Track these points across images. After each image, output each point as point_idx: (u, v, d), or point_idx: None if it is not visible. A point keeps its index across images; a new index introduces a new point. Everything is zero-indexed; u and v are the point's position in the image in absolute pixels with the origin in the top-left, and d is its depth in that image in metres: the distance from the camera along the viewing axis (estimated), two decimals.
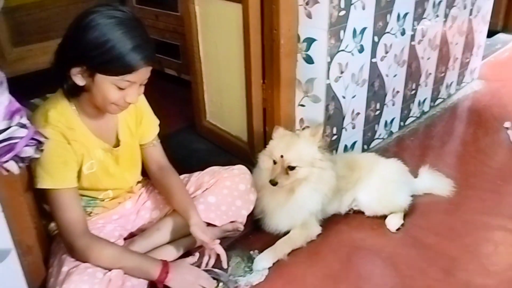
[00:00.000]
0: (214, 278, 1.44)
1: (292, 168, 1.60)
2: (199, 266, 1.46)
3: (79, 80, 1.23)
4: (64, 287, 1.20)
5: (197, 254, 1.48)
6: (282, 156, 1.60)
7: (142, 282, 1.33)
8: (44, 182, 1.25)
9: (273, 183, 1.58)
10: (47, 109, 1.29)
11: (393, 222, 1.79)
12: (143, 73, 1.24)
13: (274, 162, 1.63)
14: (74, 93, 1.29)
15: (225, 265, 1.47)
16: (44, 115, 1.27)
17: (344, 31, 1.84)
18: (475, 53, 3.02)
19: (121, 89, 1.23)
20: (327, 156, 1.69)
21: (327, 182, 1.67)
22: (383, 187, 1.81)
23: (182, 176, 1.72)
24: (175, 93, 2.92)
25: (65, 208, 1.28)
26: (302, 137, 1.67)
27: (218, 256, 1.47)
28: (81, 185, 1.38)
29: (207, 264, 1.48)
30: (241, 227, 1.65)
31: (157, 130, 1.59)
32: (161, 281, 1.31)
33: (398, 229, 1.78)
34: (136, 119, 1.50)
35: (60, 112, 1.29)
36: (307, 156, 1.62)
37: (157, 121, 1.59)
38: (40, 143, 1.00)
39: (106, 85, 1.22)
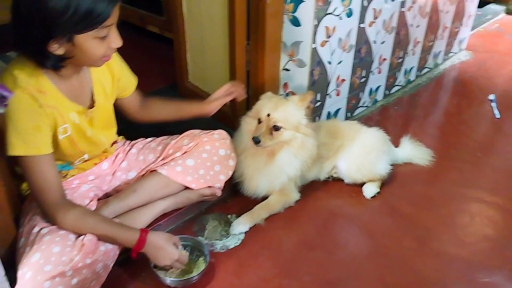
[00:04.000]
0: (191, 247, 1.44)
1: (277, 128, 1.58)
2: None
3: (60, 51, 1.16)
4: (35, 248, 1.18)
5: None
6: (268, 115, 1.58)
7: (115, 246, 1.30)
8: (16, 149, 1.18)
9: (256, 140, 1.56)
10: (15, 71, 1.19)
11: (369, 190, 1.80)
12: (116, 13, 1.17)
13: (259, 122, 1.61)
14: (59, 66, 1.21)
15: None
16: (12, 77, 1.18)
17: None
18: (465, 23, 2.97)
19: (102, 39, 1.17)
20: (311, 124, 1.66)
21: (308, 150, 1.66)
22: (364, 155, 1.80)
23: (160, 139, 1.69)
24: (157, 51, 2.83)
25: (39, 174, 1.22)
26: (290, 101, 1.64)
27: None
28: (57, 151, 1.32)
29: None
30: (219, 192, 1.63)
31: (136, 81, 1.56)
32: (137, 250, 1.28)
33: (373, 197, 1.80)
34: (112, 78, 1.44)
35: (29, 74, 1.20)
36: (293, 119, 1.60)
37: (134, 76, 1.55)
38: (3, 97, 0.95)
39: (89, 43, 1.16)
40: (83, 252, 1.18)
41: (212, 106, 1.66)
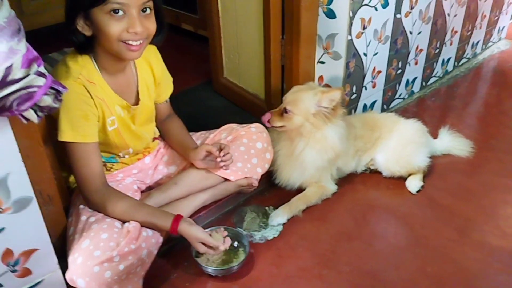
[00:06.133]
0: (231, 238, 1.44)
1: (286, 111, 1.61)
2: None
3: (86, 30, 1.22)
4: (84, 235, 1.24)
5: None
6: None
7: (157, 233, 1.35)
8: (64, 135, 1.25)
9: (266, 116, 1.64)
10: (68, 62, 1.28)
11: (413, 184, 1.78)
12: None
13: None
14: (87, 47, 1.27)
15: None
16: (66, 68, 1.26)
17: None
18: (504, 11, 2.88)
19: (118, 18, 1.19)
20: (331, 120, 1.62)
21: (319, 142, 1.63)
22: (402, 147, 1.79)
23: (199, 133, 1.73)
24: (192, 49, 2.88)
25: (83, 162, 1.29)
26: (312, 89, 1.64)
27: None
28: (105, 142, 1.39)
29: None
30: (256, 183, 1.66)
31: (171, 90, 1.60)
32: (174, 230, 1.32)
33: (418, 191, 1.77)
34: (154, 80, 1.49)
35: (82, 65, 1.28)
36: (302, 105, 1.60)
37: (171, 80, 1.59)
38: (58, 92, 1.00)
39: (103, 20, 1.18)
40: (129, 238, 1.24)
41: (198, 155, 1.53)
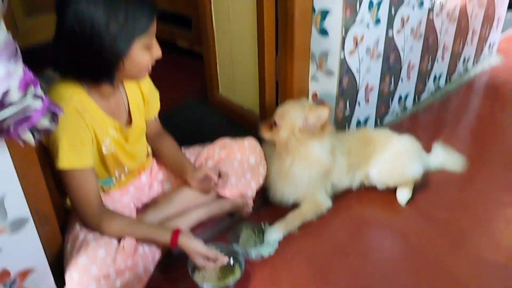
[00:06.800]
0: (228, 255, 1.45)
1: (275, 124, 1.66)
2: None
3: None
4: (82, 252, 1.24)
5: None
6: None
7: (153, 249, 1.36)
8: (61, 163, 1.25)
9: (258, 127, 1.72)
10: (59, 89, 1.27)
11: (402, 195, 1.80)
12: (155, 23, 1.25)
13: None
14: (113, 79, 1.29)
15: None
16: (58, 95, 1.26)
17: (360, 3, 1.80)
18: (494, 27, 2.93)
19: (147, 48, 1.26)
20: (318, 137, 1.64)
21: (304, 158, 1.66)
22: (395, 159, 1.81)
23: (193, 148, 1.74)
24: (187, 66, 2.91)
25: (80, 187, 1.29)
26: (302, 105, 1.67)
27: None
28: (100, 164, 1.40)
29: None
30: (249, 206, 1.66)
31: (159, 105, 1.61)
32: (174, 244, 1.33)
33: (407, 203, 1.79)
34: (143, 97, 1.51)
35: (72, 90, 1.28)
36: (289, 118, 1.64)
37: (158, 95, 1.60)
38: (55, 114, 1.01)
39: (138, 51, 1.24)
40: (124, 254, 1.25)
41: (195, 177, 1.56)
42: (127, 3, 1.18)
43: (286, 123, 1.64)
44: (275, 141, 1.69)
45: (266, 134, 1.71)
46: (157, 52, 1.30)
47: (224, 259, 1.39)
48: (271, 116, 1.71)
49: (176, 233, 1.33)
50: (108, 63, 1.23)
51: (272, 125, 1.68)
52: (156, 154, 1.67)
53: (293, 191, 1.72)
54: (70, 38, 1.18)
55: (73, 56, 1.22)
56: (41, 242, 1.22)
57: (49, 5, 2.71)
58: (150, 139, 1.64)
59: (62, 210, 1.45)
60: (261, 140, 1.76)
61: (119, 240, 1.31)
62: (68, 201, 1.46)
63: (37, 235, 1.20)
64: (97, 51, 1.19)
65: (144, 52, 1.26)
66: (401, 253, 1.60)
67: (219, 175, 1.56)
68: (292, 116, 1.64)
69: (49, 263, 1.26)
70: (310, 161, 1.67)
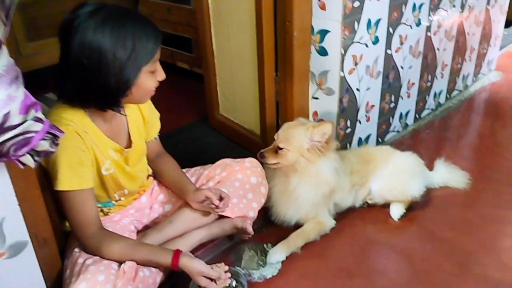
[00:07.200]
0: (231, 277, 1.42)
1: (280, 148, 1.62)
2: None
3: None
4: (81, 277, 1.21)
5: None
6: (277, 136, 1.65)
7: (154, 272, 1.33)
8: (61, 185, 1.24)
9: (262, 156, 1.66)
10: (58, 110, 1.27)
11: (395, 211, 1.80)
12: (160, 48, 1.27)
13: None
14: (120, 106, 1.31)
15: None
16: (58, 117, 1.25)
17: (359, 23, 1.81)
18: (492, 44, 2.96)
19: (153, 73, 1.27)
20: (325, 154, 1.63)
21: (314, 177, 1.64)
22: (396, 176, 1.80)
23: (194, 169, 1.73)
24: (187, 87, 2.92)
25: (79, 209, 1.27)
26: (303, 125, 1.65)
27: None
28: (100, 187, 1.39)
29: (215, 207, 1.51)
30: (250, 229, 1.63)
31: (159, 126, 1.61)
32: (174, 266, 1.31)
33: (400, 219, 1.79)
34: (143, 119, 1.51)
35: (72, 113, 1.28)
36: (295, 142, 1.61)
37: (159, 116, 1.60)
38: (55, 136, 1.01)
39: (144, 77, 1.25)
40: (125, 279, 1.22)
41: (196, 198, 1.53)
42: (134, 30, 1.19)
43: (292, 146, 1.61)
44: (281, 164, 1.65)
45: (271, 161, 1.64)
46: (161, 75, 1.31)
47: (227, 277, 1.37)
48: (273, 142, 1.67)
49: (177, 254, 1.31)
50: (116, 92, 1.23)
51: (277, 151, 1.64)
52: (157, 175, 1.66)
53: (296, 211, 1.70)
54: (76, 67, 1.18)
55: (79, 85, 1.22)
56: (40, 266, 1.21)
57: (51, 30, 2.74)
58: (151, 160, 1.63)
59: (62, 234, 1.44)
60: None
61: (118, 263, 1.29)
62: (67, 224, 1.44)
63: (36, 259, 1.19)
64: (105, 81, 1.19)
65: (150, 77, 1.27)
66: (406, 274, 1.57)
67: (220, 198, 1.54)
68: (297, 138, 1.62)
69: None
70: (318, 180, 1.65)
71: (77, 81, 1.21)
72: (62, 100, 1.29)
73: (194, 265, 1.31)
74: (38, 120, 0.96)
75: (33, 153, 0.98)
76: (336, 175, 1.67)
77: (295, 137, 1.62)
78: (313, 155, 1.61)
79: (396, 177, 1.80)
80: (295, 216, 1.72)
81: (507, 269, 1.56)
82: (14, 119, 0.91)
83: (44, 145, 0.99)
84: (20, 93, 0.91)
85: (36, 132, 0.96)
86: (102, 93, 1.23)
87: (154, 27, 1.25)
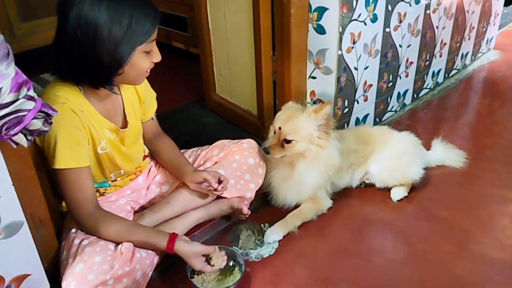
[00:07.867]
0: (228, 257, 1.43)
1: (288, 141, 1.58)
2: None
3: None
4: (78, 259, 1.21)
5: None
6: (280, 128, 1.59)
7: (151, 254, 1.33)
8: (58, 163, 1.23)
9: (266, 151, 1.60)
10: (54, 89, 1.26)
11: (397, 193, 1.79)
12: (156, 29, 1.26)
13: (274, 132, 1.63)
14: (113, 84, 1.29)
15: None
16: (54, 96, 1.24)
17: (357, 0, 1.78)
18: (492, 22, 2.93)
19: (148, 53, 1.25)
20: (330, 135, 1.62)
21: (325, 161, 1.63)
22: (396, 159, 1.79)
23: (191, 150, 1.72)
24: (183, 67, 2.89)
25: (76, 187, 1.27)
26: (304, 112, 1.61)
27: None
28: (96, 166, 1.38)
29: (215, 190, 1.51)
30: (246, 209, 1.63)
31: (156, 106, 1.59)
32: (170, 249, 1.31)
33: (400, 200, 1.78)
34: (139, 99, 1.49)
35: (68, 92, 1.27)
36: (303, 131, 1.58)
37: (155, 96, 1.58)
38: (48, 115, 0.99)
39: (138, 57, 1.24)
40: (122, 260, 1.22)
41: (194, 179, 1.53)
42: (132, 8, 1.17)
43: (302, 136, 1.57)
44: (289, 155, 1.60)
45: (278, 155, 1.59)
46: (157, 57, 1.29)
47: (223, 260, 1.38)
48: (272, 121, 1.63)
49: (172, 238, 1.31)
50: (109, 69, 1.22)
51: (283, 143, 1.59)
52: (154, 155, 1.65)
53: (297, 195, 1.69)
54: (72, 42, 1.17)
55: (73, 60, 1.21)
56: (37, 247, 1.20)
57: (45, 10, 2.71)
58: (148, 140, 1.62)
59: (58, 215, 1.43)
60: (260, 141, 1.74)
61: (115, 244, 1.28)
62: (63, 205, 1.44)
63: (32, 240, 1.18)
64: (98, 57, 1.18)
65: (145, 57, 1.25)
66: (404, 253, 1.57)
67: (219, 181, 1.53)
68: (305, 127, 1.58)
69: (44, 269, 1.24)
70: (327, 164, 1.63)
71: (72, 56, 1.20)
72: (57, 78, 1.27)
73: (190, 248, 1.31)
74: (30, 98, 0.94)
75: (26, 132, 0.96)
76: (339, 155, 1.67)
77: (302, 127, 1.58)
78: (323, 140, 1.60)
79: (395, 161, 1.79)
80: (296, 199, 1.71)
81: (504, 248, 1.56)
82: (6, 98, 0.89)
83: (37, 124, 0.97)
84: (11, 70, 0.89)
85: (28, 110, 0.94)
86: (95, 70, 1.21)
87: (154, 7, 1.23)
